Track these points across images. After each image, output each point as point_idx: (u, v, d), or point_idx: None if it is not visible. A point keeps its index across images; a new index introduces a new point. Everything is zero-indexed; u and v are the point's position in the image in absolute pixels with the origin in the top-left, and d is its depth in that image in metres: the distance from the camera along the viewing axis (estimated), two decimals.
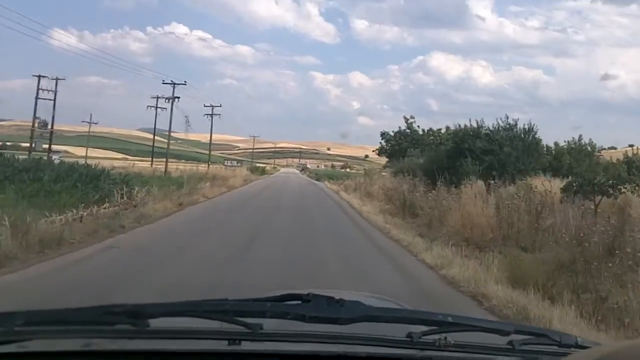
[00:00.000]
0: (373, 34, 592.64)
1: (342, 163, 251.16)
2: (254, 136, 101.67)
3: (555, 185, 18.77)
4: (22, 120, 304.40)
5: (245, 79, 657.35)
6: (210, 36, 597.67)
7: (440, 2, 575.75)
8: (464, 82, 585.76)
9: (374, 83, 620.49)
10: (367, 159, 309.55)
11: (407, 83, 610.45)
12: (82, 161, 31.25)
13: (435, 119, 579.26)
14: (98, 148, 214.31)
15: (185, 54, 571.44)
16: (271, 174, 79.53)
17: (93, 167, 23.42)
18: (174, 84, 49.20)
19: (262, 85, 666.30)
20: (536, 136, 25.92)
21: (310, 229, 14.30)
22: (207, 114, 61.70)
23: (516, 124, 25.65)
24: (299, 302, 1.69)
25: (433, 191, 18.09)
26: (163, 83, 49.60)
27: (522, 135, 25.63)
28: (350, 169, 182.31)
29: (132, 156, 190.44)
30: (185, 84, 49.78)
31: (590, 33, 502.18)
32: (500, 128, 25.73)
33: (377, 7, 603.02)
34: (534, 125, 25.73)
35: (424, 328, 1.62)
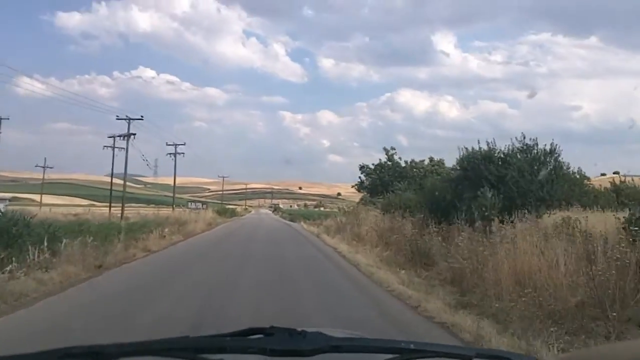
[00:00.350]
0: (340, 73, 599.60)
1: (315, 202, 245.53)
2: (224, 176, 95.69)
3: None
4: None
5: (214, 120, 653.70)
6: (177, 79, 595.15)
7: (404, 39, 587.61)
8: (431, 117, 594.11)
9: (343, 121, 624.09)
10: (340, 196, 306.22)
11: (376, 120, 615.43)
12: (38, 209, 25.53)
13: (406, 154, 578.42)
14: (64, 195, 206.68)
15: (154, 97, 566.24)
16: (242, 215, 73.69)
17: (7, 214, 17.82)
18: (130, 119, 43.59)
19: (232, 127, 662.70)
20: (560, 159, 21.03)
21: (293, 302, 8.75)
22: (170, 153, 56.29)
23: (536, 144, 20.77)
24: (261, 335, 1.64)
25: (462, 234, 12.77)
26: (117, 119, 44.36)
27: (543, 158, 20.75)
28: (324, 208, 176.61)
29: (100, 202, 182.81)
30: (142, 119, 44.47)
31: (552, 65, 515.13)
32: (516, 150, 20.81)
33: (343, 46, 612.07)
34: (556, 145, 20.87)
35: (387, 356, 1.62)
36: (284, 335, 1.59)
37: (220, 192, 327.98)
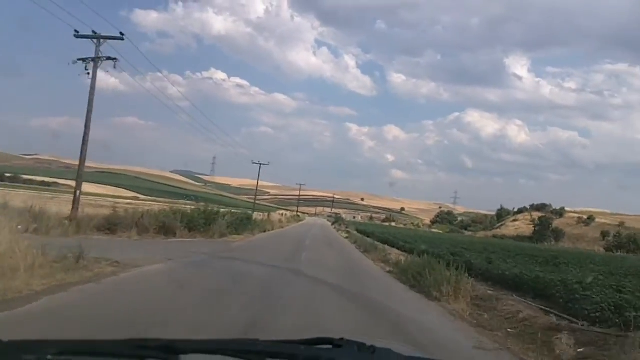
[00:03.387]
0: (409, 89, 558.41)
1: (380, 215, 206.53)
2: (261, 163, 58.78)
3: None
4: (51, 155, 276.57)
5: (280, 127, 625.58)
6: (247, 83, 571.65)
7: (477, 59, 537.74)
8: (498, 140, 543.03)
9: (409, 137, 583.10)
10: (404, 211, 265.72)
11: (442, 139, 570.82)
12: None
13: (470, 176, 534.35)
14: (111, 185, 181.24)
15: (222, 100, 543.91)
16: (266, 230, 34.86)
17: None
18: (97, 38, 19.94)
19: (297, 134, 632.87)
20: None
21: None
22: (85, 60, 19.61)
23: None
24: (330, 346, 1.55)
25: None
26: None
27: None
28: (396, 224, 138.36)
29: (144, 195, 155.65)
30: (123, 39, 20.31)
31: (627, 97, 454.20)
32: None
33: (414, 62, 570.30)
34: None
35: None
36: (353, 348, 1.51)
37: (280, 197, 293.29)
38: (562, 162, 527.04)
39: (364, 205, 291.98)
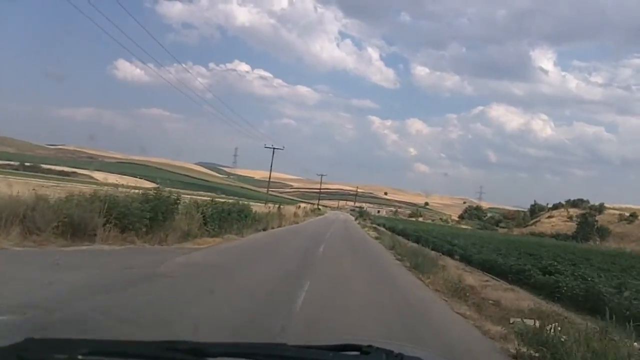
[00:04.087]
0: (433, 82, 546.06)
1: (404, 209, 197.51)
2: (274, 147, 51.76)
3: None
4: (76, 146, 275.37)
5: (303, 119, 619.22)
6: (270, 75, 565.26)
7: (502, 52, 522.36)
8: (523, 134, 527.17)
9: (432, 131, 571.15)
10: (428, 206, 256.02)
11: (466, 132, 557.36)
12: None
13: (494, 170, 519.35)
14: (132, 176, 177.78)
15: (245, 92, 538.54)
16: (268, 228, 25.65)
17: None
18: None
19: (320, 126, 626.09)
20: None
21: None
22: None
23: None
24: (358, 353, 1.51)
25: None
26: None
27: None
28: (424, 219, 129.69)
29: (165, 186, 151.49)
30: None
31: None
32: None
33: (439, 55, 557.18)
34: None
35: None
36: (381, 356, 1.48)
37: (302, 190, 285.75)
38: (588, 158, 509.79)
39: (387, 199, 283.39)
